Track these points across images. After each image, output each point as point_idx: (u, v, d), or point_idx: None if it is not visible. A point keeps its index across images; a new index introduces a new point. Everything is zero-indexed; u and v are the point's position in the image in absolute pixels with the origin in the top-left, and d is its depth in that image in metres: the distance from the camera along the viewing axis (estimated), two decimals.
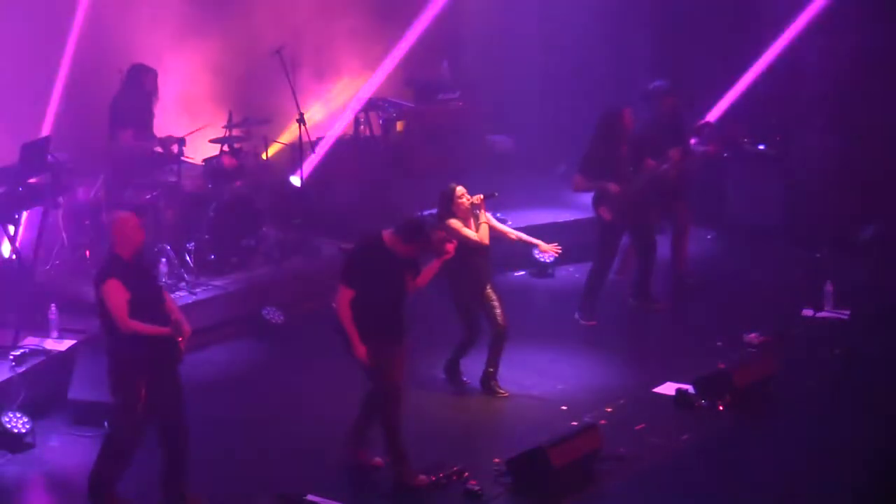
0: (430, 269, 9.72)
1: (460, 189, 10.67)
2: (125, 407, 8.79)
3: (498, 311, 10.82)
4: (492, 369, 10.90)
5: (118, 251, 8.74)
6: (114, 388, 8.83)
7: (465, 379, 11.07)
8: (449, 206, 10.64)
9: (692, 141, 13.00)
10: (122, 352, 8.72)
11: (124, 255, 8.74)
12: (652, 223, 12.79)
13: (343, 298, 9.30)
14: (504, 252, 13.59)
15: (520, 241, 11.10)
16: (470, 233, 10.60)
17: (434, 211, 14.44)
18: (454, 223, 10.58)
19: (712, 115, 14.78)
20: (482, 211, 10.72)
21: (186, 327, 8.83)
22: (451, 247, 9.75)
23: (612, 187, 12.16)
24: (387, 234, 9.38)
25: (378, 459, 9.62)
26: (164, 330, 8.71)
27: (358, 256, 9.53)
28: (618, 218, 12.26)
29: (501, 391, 10.88)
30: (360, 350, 9.27)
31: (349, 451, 9.65)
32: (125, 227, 8.77)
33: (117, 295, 8.57)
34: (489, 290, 10.81)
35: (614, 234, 12.46)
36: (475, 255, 10.64)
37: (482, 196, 10.69)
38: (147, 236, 12.17)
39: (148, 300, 8.76)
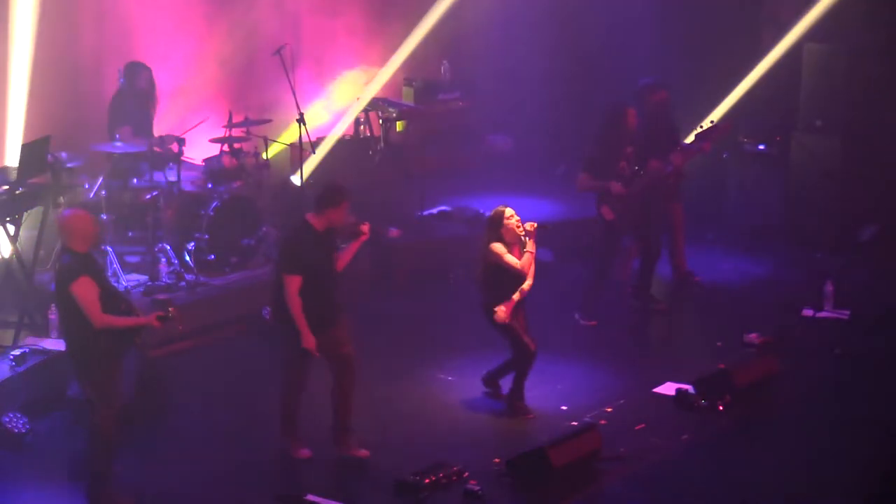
0: (349, 251, 9.81)
1: (510, 210, 10.41)
2: (102, 399, 8.85)
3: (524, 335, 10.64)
4: (499, 374, 10.87)
5: (76, 247, 8.75)
6: (88, 384, 8.89)
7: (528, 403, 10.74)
8: (497, 228, 10.38)
9: (703, 144, 12.94)
10: (90, 345, 8.75)
11: (82, 250, 8.78)
12: (654, 224, 12.78)
13: (292, 287, 9.38)
14: None
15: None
16: (512, 259, 10.33)
17: (434, 210, 14.61)
18: (497, 248, 10.34)
19: (714, 116, 14.78)
20: (531, 240, 10.38)
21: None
22: (365, 227, 9.76)
23: (615, 187, 12.17)
24: (311, 216, 9.55)
25: (364, 451, 9.73)
26: (139, 320, 8.81)
27: (292, 243, 9.65)
28: (620, 218, 12.26)
29: (503, 395, 10.87)
30: (310, 340, 9.40)
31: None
32: (82, 223, 8.80)
33: (90, 291, 8.63)
34: (521, 315, 10.58)
35: (616, 234, 12.46)
36: (513, 281, 10.42)
37: (535, 224, 10.38)
38: (147, 236, 12.33)
39: (109, 290, 8.86)
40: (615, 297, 12.90)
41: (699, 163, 13.80)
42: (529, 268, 10.36)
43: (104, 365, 8.81)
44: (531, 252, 10.36)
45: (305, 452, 9.76)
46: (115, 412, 8.88)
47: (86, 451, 8.99)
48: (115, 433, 8.93)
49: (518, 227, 10.34)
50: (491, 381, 10.88)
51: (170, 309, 8.93)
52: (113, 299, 8.84)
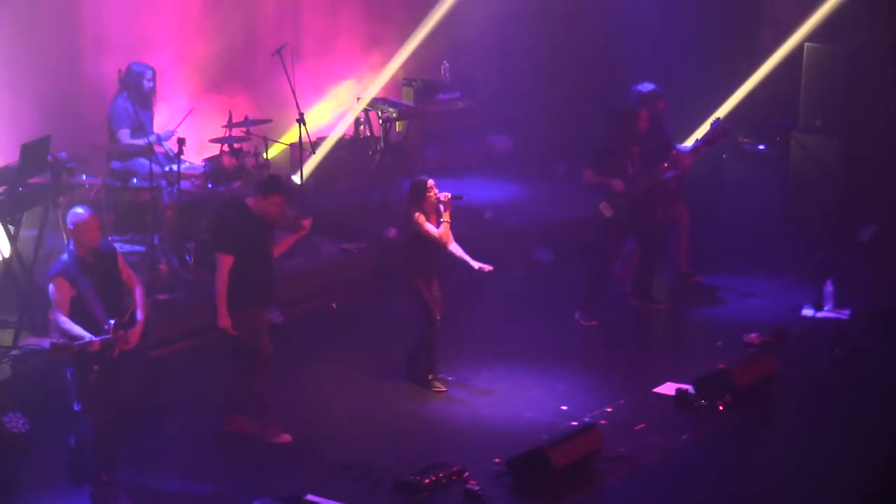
0: (286, 242, 10.21)
1: (431, 182, 10.91)
2: (85, 403, 8.93)
3: (441, 306, 10.93)
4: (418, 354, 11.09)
5: (76, 248, 8.93)
6: (72, 384, 8.97)
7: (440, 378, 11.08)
8: (419, 198, 10.85)
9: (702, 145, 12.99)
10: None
11: (80, 253, 8.92)
12: (655, 225, 12.78)
13: (224, 265, 9.68)
14: (503, 251, 13.64)
15: (453, 255, 11.01)
16: (432, 228, 10.82)
17: None
18: (419, 217, 10.80)
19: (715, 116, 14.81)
20: (447, 211, 10.87)
21: (133, 333, 8.89)
22: (307, 223, 10.16)
23: (617, 185, 12.18)
24: (249, 199, 9.87)
25: (286, 436, 9.99)
26: (82, 342, 8.68)
27: (227, 223, 9.93)
28: (619, 216, 12.26)
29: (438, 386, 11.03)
30: (226, 321, 9.71)
31: (234, 422, 10.00)
32: (79, 228, 8.91)
33: (60, 292, 8.79)
34: (436, 288, 10.96)
35: (617, 234, 12.45)
36: (430, 250, 10.87)
37: (449, 195, 10.90)
38: (147, 236, 12.33)
39: (102, 293, 8.88)
40: (615, 298, 12.90)
41: (699, 163, 13.80)
42: (447, 236, 10.83)
43: (78, 369, 8.87)
44: (447, 221, 10.84)
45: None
46: (103, 419, 8.93)
47: (88, 454, 9.01)
48: (108, 440, 8.99)
49: (436, 197, 10.83)
50: (412, 363, 11.09)
51: (119, 332, 8.85)
52: (112, 303, 8.89)
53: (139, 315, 8.97)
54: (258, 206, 9.86)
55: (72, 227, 8.92)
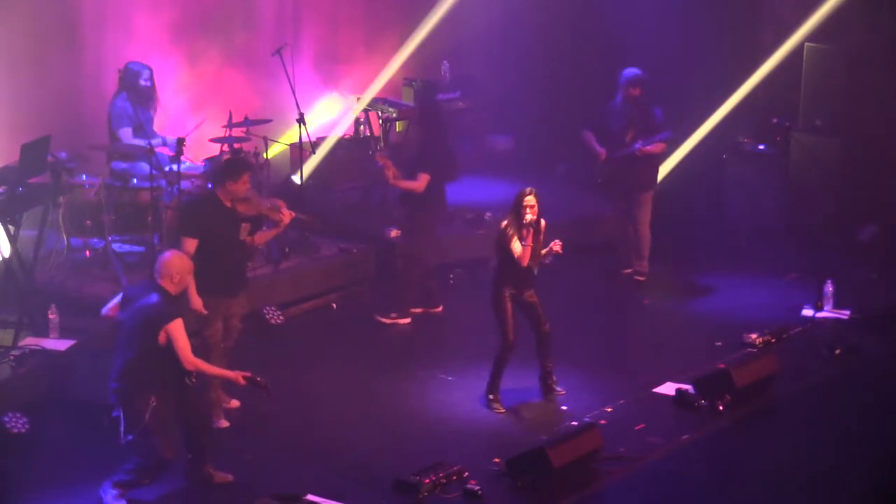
0: (266, 234, 10.39)
1: (530, 198, 10.53)
2: (138, 427, 8.94)
3: (540, 314, 10.78)
4: (549, 367, 10.90)
5: (167, 287, 8.97)
6: (126, 412, 8.98)
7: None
8: (515, 208, 10.58)
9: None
10: (134, 375, 8.92)
11: (172, 291, 9.01)
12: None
13: (186, 249, 9.71)
14: None
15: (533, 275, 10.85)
16: (515, 245, 10.50)
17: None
18: (508, 228, 10.55)
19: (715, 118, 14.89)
20: (534, 236, 10.49)
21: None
22: (286, 217, 10.25)
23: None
24: (218, 190, 9.98)
25: (235, 401, 10.31)
26: (231, 374, 9.06)
27: (191, 208, 10.17)
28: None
29: (558, 389, 10.91)
30: (197, 301, 9.77)
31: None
32: (179, 269, 9.01)
33: (183, 334, 8.89)
34: (529, 296, 10.72)
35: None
36: (513, 266, 10.57)
37: (543, 223, 10.57)
38: (148, 236, 12.33)
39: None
40: (616, 297, 12.92)
41: (699, 162, 13.82)
42: (525, 259, 10.49)
43: (144, 394, 8.91)
44: (530, 246, 10.46)
45: (224, 423, 10.15)
46: (151, 441, 8.96)
47: (125, 469, 9.05)
48: (159, 471, 9.11)
49: (527, 214, 10.47)
50: (493, 383, 10.84)
51: (258, 379, 9.12)
52: None
53: None
54: (229, 192, 9.90)
55: (170, 267, 8.96)
